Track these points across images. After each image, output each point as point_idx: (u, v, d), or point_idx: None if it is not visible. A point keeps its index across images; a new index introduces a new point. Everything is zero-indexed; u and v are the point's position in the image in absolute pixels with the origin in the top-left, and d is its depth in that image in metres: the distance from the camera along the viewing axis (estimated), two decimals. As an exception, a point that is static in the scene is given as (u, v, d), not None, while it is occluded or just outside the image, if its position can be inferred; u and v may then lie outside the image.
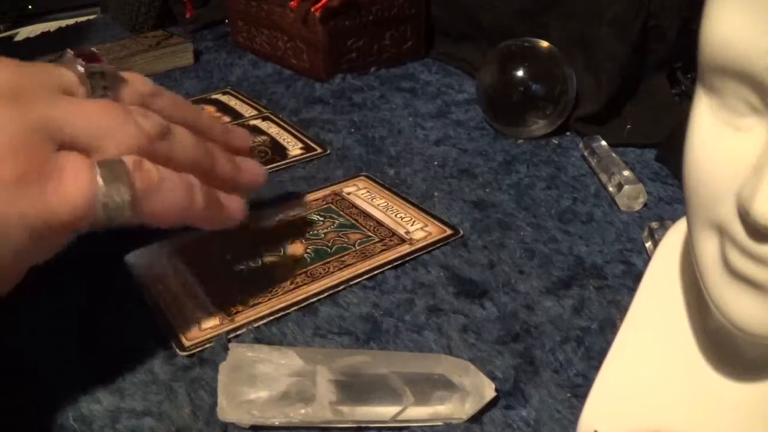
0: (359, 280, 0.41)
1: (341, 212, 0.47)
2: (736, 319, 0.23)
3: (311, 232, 0.45)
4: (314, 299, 0.39)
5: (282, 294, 0.39)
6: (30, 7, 1.10)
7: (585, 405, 0.29)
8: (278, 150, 0.57)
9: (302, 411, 0.31)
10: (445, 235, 0.44)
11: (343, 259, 0.42)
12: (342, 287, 0.40)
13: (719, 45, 0.21)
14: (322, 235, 0.45)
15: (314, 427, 0.32)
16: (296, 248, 0.43)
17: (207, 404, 0.33)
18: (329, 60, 0.70)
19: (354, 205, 0.48)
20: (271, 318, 0.38)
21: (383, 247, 0.43)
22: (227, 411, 0.31)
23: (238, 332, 0.37)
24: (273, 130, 0.61)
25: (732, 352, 0.27)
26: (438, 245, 0.44)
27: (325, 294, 0.39)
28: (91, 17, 1.08)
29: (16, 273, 0.29)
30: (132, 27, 0.93)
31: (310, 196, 0.50)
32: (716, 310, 0.23)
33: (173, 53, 0.79)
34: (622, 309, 0.34)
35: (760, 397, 0.26)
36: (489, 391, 0.32)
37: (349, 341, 0.36)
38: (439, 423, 0.31)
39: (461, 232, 0.45)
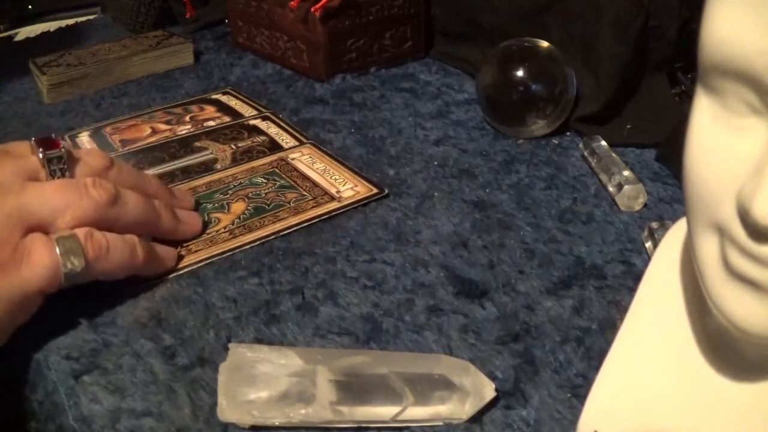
0: (289, 231, 0.46)
1: (283, 175, 0.53)
2: (736, 319, 0.23)
3: (254, 192, 0.51)
4: (247, 247, 0.45)
5: (221, 242, 0.45)
6: (30, 7, 1.10)
7: (585, 405, 0.29)
8: (277, 150, 0.57)
9: (302, 411, 0.31)
10: (371, 193, 0.50)
11: (278, 214, 0.48)
12: (273, 237, 0.45)
13: (719, 45, 0.21)
14: (263, 195, 0.50)
15: (314, 427, 0.32)
16: (239, 206, 0.49)
17: (207, 404, 0.33)
18: (329, 60, 0.70)
19: (296, 169, 0.54)
20: (207, 262, 0.43)
21: (314, 204, 0.49)
22: (227, 411, 0.31)
23: (180, 272, 0.43)
24: (272, 130, 0.61)
25: (732, 352, 0.27)
26: (363, 202, 0.49)
27: (257, 242, 0.45)
28: (91, 17, 1.08)
29: (4, 334, 0.36)
30: (132, 27, 0.93)
31: (258, 162, 0.55)
32: (716, 310, 0.23)
33: (173, 53, 0.79)
34: (622, 309, 0.34)
35: (760, 397, 0.26)
36: (489, 391, 0.32)
37: (349, 341, 0.36)
38: (439, 423, 0.31)
39: (386, 191, 0.50)
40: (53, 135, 0.42)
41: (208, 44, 0.87)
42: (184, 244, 0.45)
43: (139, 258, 0.40)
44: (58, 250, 0.36)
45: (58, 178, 0.40)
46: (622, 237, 0.44)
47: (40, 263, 0.36)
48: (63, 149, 0.40)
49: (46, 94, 0.72)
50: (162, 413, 0.33)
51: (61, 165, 0.40)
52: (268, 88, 0.72)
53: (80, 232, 0.38)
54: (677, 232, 0.31)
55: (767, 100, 0.21)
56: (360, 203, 0.49)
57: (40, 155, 0.40)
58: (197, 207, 0.49)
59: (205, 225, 0.47)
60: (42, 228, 0.38)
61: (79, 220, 0.38)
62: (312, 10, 0.68)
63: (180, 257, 0.44)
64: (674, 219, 0.36)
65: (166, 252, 0.43)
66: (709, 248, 0.23)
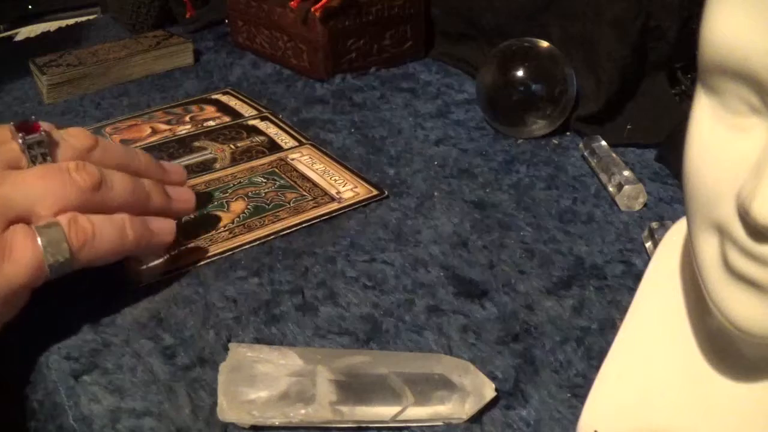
0: (288, 231, 0.46)
1: (283, 175, 0.53)
2: (736, 319, 0.23)
3: (254, 191, 0.51)
4: (247, 246, 0.45)
5: (220, 241, 0.45)
6: (30, 7, 1.10)
7: (585, 405, 0.29)
8: (276, 150, 0.57)
9: (302, 411, 0.31)
10: (371, 195, 0.50)
11: (277, 214, 0.48)
12: (273, 237, 0.45)
13: (719, 45, 0.21)
14: (263, 194, 0.50)
15: (314, 427, 0.32)
16: (238, 205, 0.49)
17: (207, 404, 0.33)
18: (329, 60, 0.70)
19: (295, 169, 0.54)
20: (207, 261, 0.43)
21: (314, 205, 0.49)
22: (227, 411, 0.31)
23: (178, 271, 0.42)
24: (272, 130, 0.61)
25: (732, 352, 0.27)
26: (363, 203, 0.49)
27: (256, 242, 0.45)
28: (91, 17, 1.07)
29: None
30: (132, 27, 0.93)
31: (257, 162, 0.55)
32: (716, 310, 0.23)
33: (173, 53, 0.79)
34: (622, 309, 0.34)
35: (760, 397, 0.26)
36: (489, 391, 0.32)
37: (349, 341, 0.36)
38: (439, 423, 0.31)
39: (386, 192, 0.50)
40: (32, 117, 0.40)
41: (208, 44, 0.87)
42: (183, 244, 0.45)
43: (129, 239, 0.38)
44: (40, 241, 0.35)
45: (40, 163, 0.38)
46: (622, 237, 0.44)
47: (22, 258, 0.34)
48: (42, 133, 0.38)
49: (46, 94, 0.72)
50: (162, 413, 0.33)
51: (42, 150, 0.38)
52: (268, 88, 0.72)
53: (63, 219, 0.36)
54: (677, 232, 0.31)
55: (767, 99, 0.21)
56: (360, 204, 0.49)
57: (20, 141, 0.38)
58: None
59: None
60: (24, 219, 0.36)
61: (62, 208, 0.36)
62: (312, 10, 0.68)
63: (180, 257, 0.44)
64: (674, 219, 0.36)
65: (162, 226, 0.41)
66: (709, 248, 0.23)
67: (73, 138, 0.40)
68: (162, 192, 0.43)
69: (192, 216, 0.47)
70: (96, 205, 0.38)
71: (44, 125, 0.39)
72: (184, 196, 0.44)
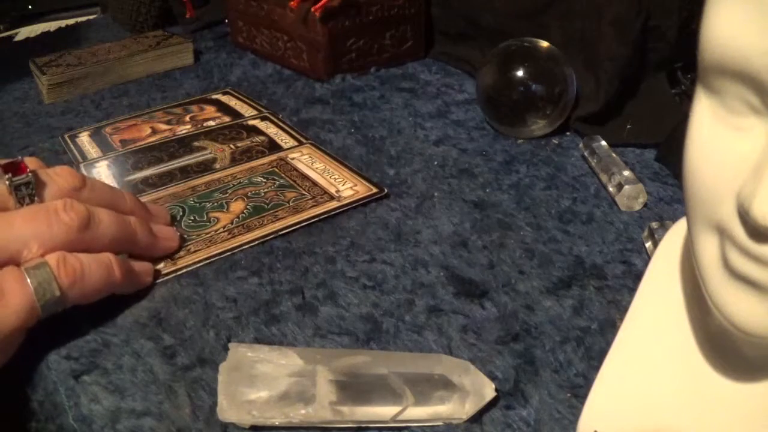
0: (288, 230, 0.46)
1: (283, 174, 0.53)
2: (736, 319, 0.23)
3: (253, 191, 0.51)
4: (246, 246, 0.45)
5: (220, 242, 0.45)
6: (30, 7, 1.10)
7: (585, 405, 0.29)
8: (276, 150, 0.57)
9: (302, 411, 0.31)
10: (370, 193, 0.50)
11: (277, 213, 0.48)
12: (272, 236, 0.45)
13: (719, 45, 0.21)
14: (263, 194, 0.50)
15: (314, 427, 0.32)
16: (238, 205, 0.49)
17: (207, 404, 0.33)
18: (329, 60, 0.70)
19: (295, 169, 0.54)
20: (207, 262, 0.43)
21: (314, 203, 0.49)
22: (227, 411, 0.31)
23: (178, 273, 0.42)
24: (271, 130, 0.61)
25: (732, 352, 0.27)
26: (363, 201, 0.49)
27: (256, 242, 0.45)
28: (91, 17, 1.08)
29: None
30: (132, 27, 0.93)
31: (257, 162, 0.55)
32: (716, 310, 0.23)
33: (173, 53, 0.79)
34: (622, 309, 0.34)
35: (760, 397, 0.26)
36: (489, 391, 0.32)
37: (349, 341, 0.36)
38: (439, 423, 0.31)
39: (385, 190, 0.50)
40: (20, 157, 0.40)
41: (208, 44, 0.87)
42: (183, 245, 0.45)
43: (117, 276, 0.39)
44: (30, 283, 0.35)
45: (27, 204, 0.38)
46: (622, 237, 0.44)
47: (13, 301, 0.34)
48: (29, 174, 0.38)
49: (46, 94, 0.72)
50: (162, 413, 0.33)
51: (29, 190, 0.38)
52: (268, 88, 0.72)
53: (52, 259, 0.36)
54: (677, 232, 0.31)
55: (767, 100, 0.21)
56: (359, 203, 0.49)
57: (6, 182, 0.38)
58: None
59: (198, 227, 0.47)
60: (13, 261, 0.36)
61: (50, 248, 0.37)
62: (312, 10, 0.68)
63: (179, 257, 0.44)
64: (674, 219, 0.36)
65: (142, 267, 0.42)
66: (709, 248, 0.23)
67: (60, 177, 0.41)
68: (148, 230, 0.43)
69: (197, 217, 0.48)
70: (84, 243, 0.38)
71: (30, 164, 0.39)
72: (168, 234, 0.45)
